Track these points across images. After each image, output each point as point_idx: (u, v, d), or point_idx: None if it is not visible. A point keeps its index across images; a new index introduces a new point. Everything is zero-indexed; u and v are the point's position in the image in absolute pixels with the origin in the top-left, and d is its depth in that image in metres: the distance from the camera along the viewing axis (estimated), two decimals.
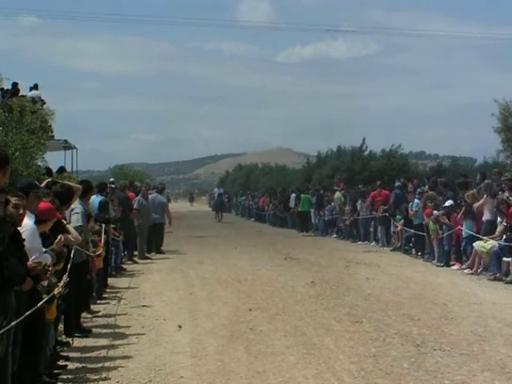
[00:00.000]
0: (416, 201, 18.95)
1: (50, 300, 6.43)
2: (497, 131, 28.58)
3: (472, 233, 15.50)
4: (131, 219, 18.86)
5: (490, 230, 15.22)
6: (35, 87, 24.27)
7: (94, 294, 11.62)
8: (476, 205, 15.60)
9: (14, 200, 5.71)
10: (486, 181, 16.53)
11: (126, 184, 22.18)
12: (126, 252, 18.70)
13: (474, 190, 16.55)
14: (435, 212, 17.05)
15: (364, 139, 36.44)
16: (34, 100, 22.77)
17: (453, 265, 16.33)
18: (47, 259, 6.62)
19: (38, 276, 5.92)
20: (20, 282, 5.42)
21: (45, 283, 6.60)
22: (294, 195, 32.77)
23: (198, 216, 48.24)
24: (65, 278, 7.30)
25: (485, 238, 15.01)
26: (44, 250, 6.74)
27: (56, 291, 6.63)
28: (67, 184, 9.33)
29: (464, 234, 15.86)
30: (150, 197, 20.71)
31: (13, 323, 5.21)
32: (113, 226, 15.36)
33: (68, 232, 7.89)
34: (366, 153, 36.03)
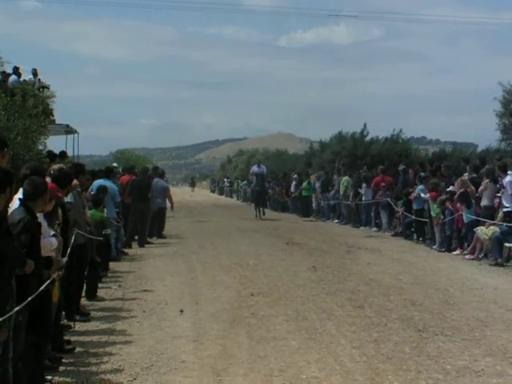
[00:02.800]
0: (420, 186, 18.86)
1: (51, 283, 6.42)
2: (498, 115, 28.52)
3: (474, 217, 15.46)
4: (147, 204, 18.93)
5: (488, 215, 15.18)
6: (34, 73, 24.27)
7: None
8: (479, 191, 15.57)
9: None
10: (487, 166, 16.46)
11: (148, 168, 22.31)
12: (136, 237, 18.76)
13: (465, 175, 16.52)
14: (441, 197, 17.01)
15: (365, 124, 36.35)
16: (34, 84, 22.77)
17: (454, 249, 16.34)
18: (53, 242, 6.62)
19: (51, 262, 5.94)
20: (20, 265, 5.40)
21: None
22: (294, 181, 32.74)
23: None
24: (64, 260, 7.31)
25: (487, 221, 14.97)
26: (52, 233, 6.73)
27: (55, 274, 6.63)
28: (66, 168, 9.23)
29: (465, 220, 15.82)
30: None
31: (16, 308, 5.20)
32: (115, 209, 15.42)
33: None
34: (368, 138, 35.94)
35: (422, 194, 18.17)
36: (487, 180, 15.41)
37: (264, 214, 29.00)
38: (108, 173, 15.66)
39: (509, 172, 15.07)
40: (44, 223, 6.44)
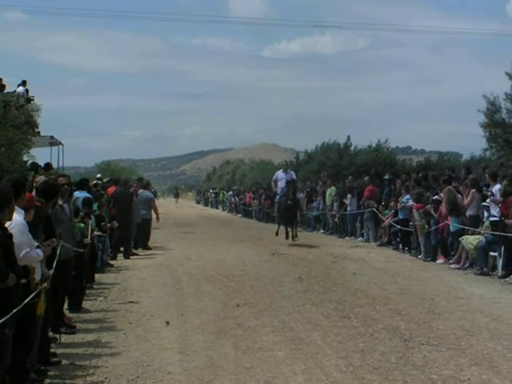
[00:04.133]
0: (406, 196, 18.85)
1: (37, 295, 6.39)
2: (483, 126, 28.52)
3: (461, 226, 15.48)
4: (130, 215, 18.82)
5: (473, 225, 15.20)
6: (23, 83, 24.26)
7: None
8: (466, 201, 15.53)
9: None
10: (470, 176, 16.49)
11: (129, 179, 22.16)
12: (122, 248, 18.62)
13: (452, 185, 16.57)
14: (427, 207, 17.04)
15: (349, 137, 36.56)
16: (19, 96, 22.70)
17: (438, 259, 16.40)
18: (40, 254, 6.58)
19: (28, 271, 5.89)
20: (2, 278, 5.36)
21: (37, 277, 6.56)
22: None
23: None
24: (50, 273, 7.27)
25: (472, 230, 14.99)
26: (35, 244, 6.68)
27: (41, 286, 6.59)
28: (51, 180, 9.18)
29: (452, 229, 15.86)
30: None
31: (2, 320, 5.16)
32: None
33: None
34: (353, 148, 36.12)
35: (409, 203, 18.18)
36: (473, 190, 15.42)
37: (297, 235, 21.72)
38: (82, 184, 15.13)
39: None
40: (28, 235, 6.41)
